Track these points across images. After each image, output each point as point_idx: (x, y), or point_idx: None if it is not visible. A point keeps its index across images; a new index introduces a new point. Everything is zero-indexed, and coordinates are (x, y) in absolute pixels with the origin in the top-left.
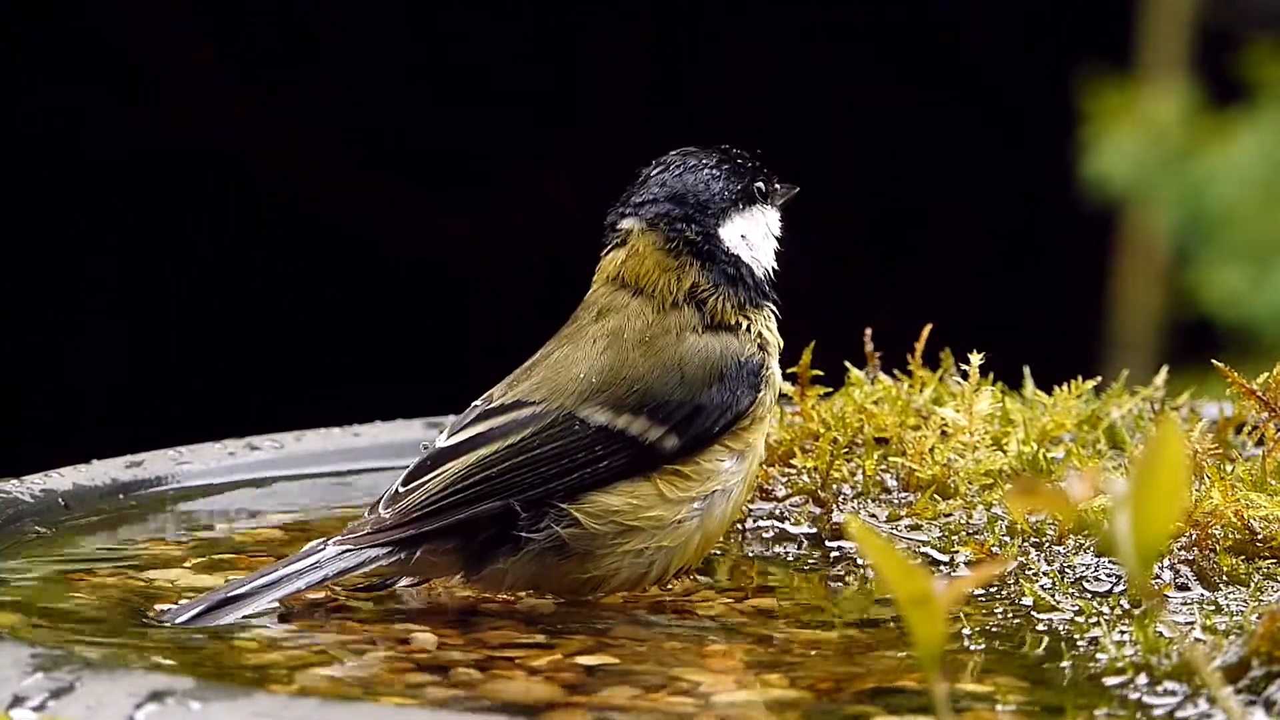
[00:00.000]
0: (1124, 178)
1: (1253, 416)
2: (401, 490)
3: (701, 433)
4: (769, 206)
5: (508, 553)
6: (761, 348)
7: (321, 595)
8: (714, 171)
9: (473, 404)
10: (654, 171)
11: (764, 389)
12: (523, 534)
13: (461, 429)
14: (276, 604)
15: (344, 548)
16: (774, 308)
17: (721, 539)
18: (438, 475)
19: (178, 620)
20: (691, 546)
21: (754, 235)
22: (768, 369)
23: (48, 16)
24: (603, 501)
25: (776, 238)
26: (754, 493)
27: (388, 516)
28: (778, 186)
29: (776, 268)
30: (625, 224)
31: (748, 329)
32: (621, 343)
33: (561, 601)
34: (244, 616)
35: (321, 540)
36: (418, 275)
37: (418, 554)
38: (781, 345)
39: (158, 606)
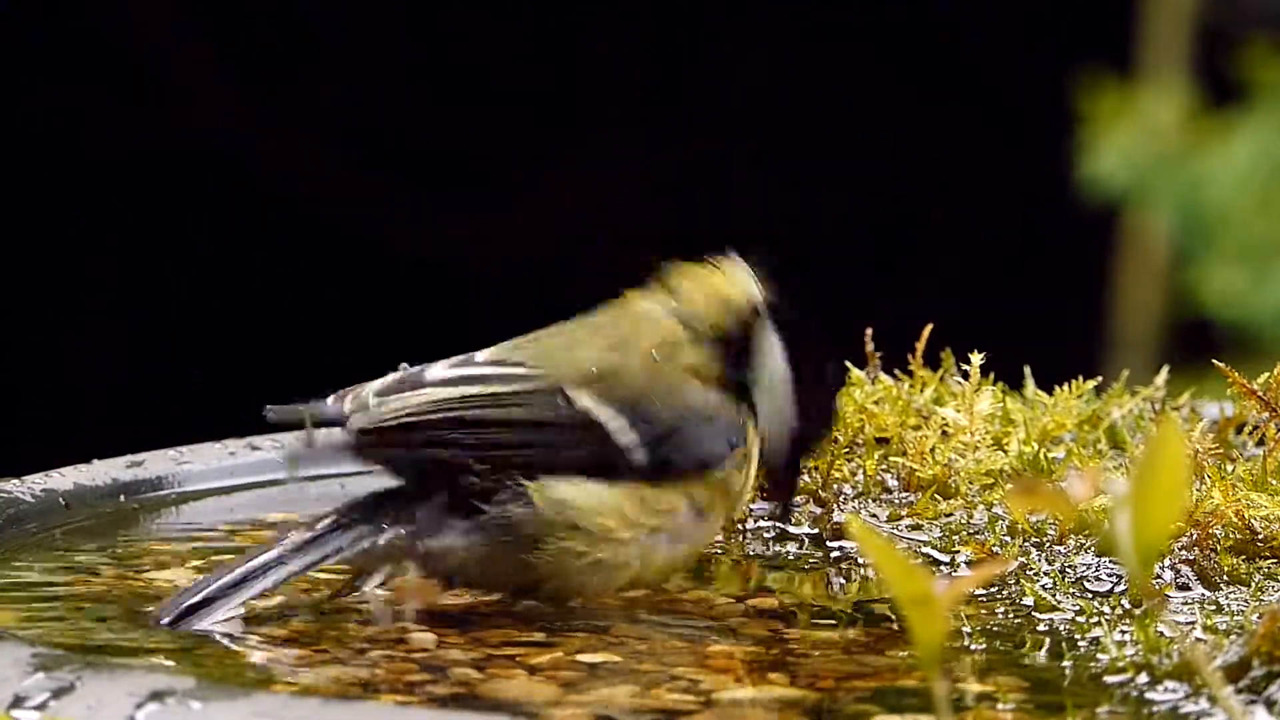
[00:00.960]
0: (1122, 179)
1: (1253, 416)
2: (373, 402)
3: (670, 458)
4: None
5: (460, 523)
6: (745, 430)
7: (307, 597)
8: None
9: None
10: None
11: (742, 459)
12: (477, 502)
13: (454, 367)
14: (242, 607)
15: (306, 535)
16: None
17: (722, 538)
18: (419, 394)
19: (161, 622)
20: (626, 573)
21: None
22: (749, 449)
23: (48, 16)
24: (560, 489)
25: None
26: (754, 493)
27: (359, 423)
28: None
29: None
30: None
31: (743, 416)
32: (634, 349)
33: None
34: (217, 621)
35: (281, 532)
36: (418, 275)
37: (382, 530)
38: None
39: (149, 608)
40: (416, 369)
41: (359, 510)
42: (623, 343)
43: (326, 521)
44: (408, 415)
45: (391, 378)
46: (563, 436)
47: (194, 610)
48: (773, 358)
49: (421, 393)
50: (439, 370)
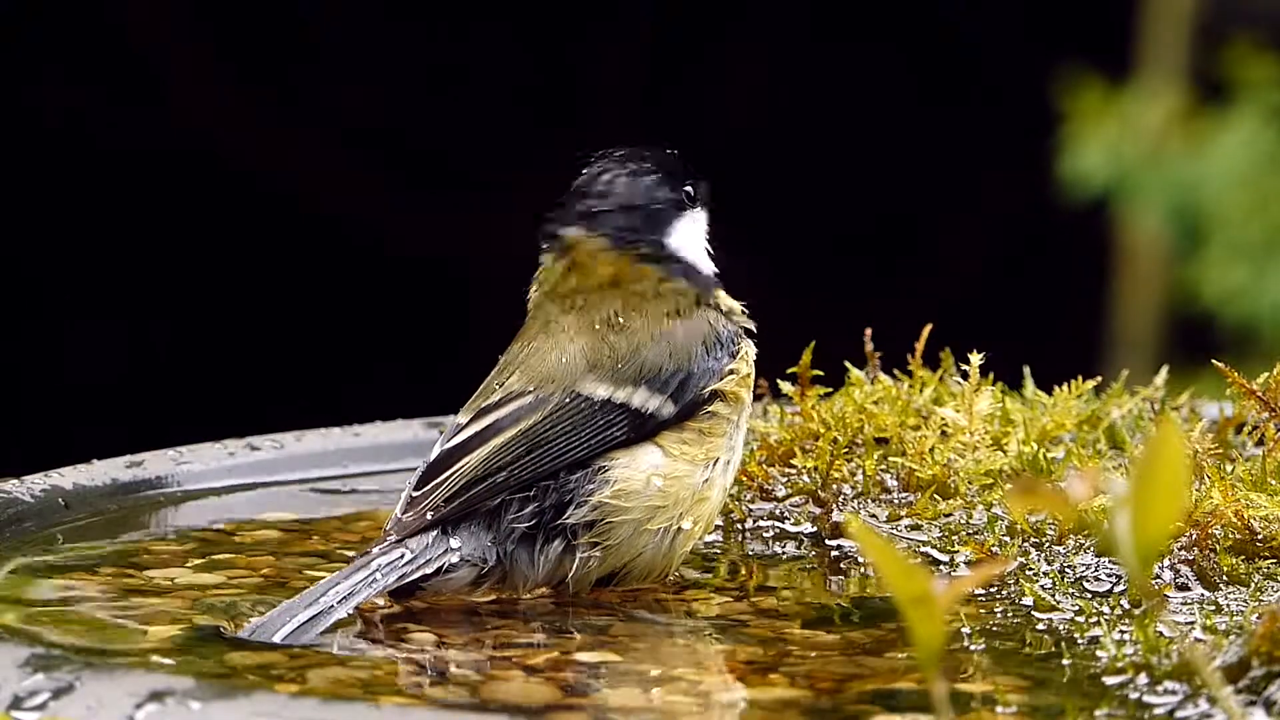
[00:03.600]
0: (1104, 176)
1: (1253, 416)
2: (416, 495)
3: (695, 398)
4: (698, 209)
5: (534, 545)
6: (729, 316)
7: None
8: (655, 179)
9: (454, 420)
10: (596, 181)
11: (743, 348)
12: (553, 523)
13: (459, 431)
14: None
15: (396, 553)
16: (727, 296)
17: (720, 537)
18: (455, 470)
19: (271, 638)
20: (706, 519)
21: (692, 239)
22: (741, 339)
23: (47, 16)
24: (619, 473)
25: (706, 238)
26: (755, 493)
27: (409, 519)
28: (699, 186)
29: (716, 268)
30: (571, 233)
31: (715, 307)
32: (595, 328)
33: (560, 600)
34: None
35: (373, 546)
36: (418, 275)
37: (456, 557)
38: (748, 318)
39: (241, 632)
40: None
41: (443, 532)
42: (579, 329)
43: (413, 541)
44: (455, 494)
45: (421, 469)
46: (601, 429)
47: (307, 623)
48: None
49: (457, 466)
50: (444, 444)
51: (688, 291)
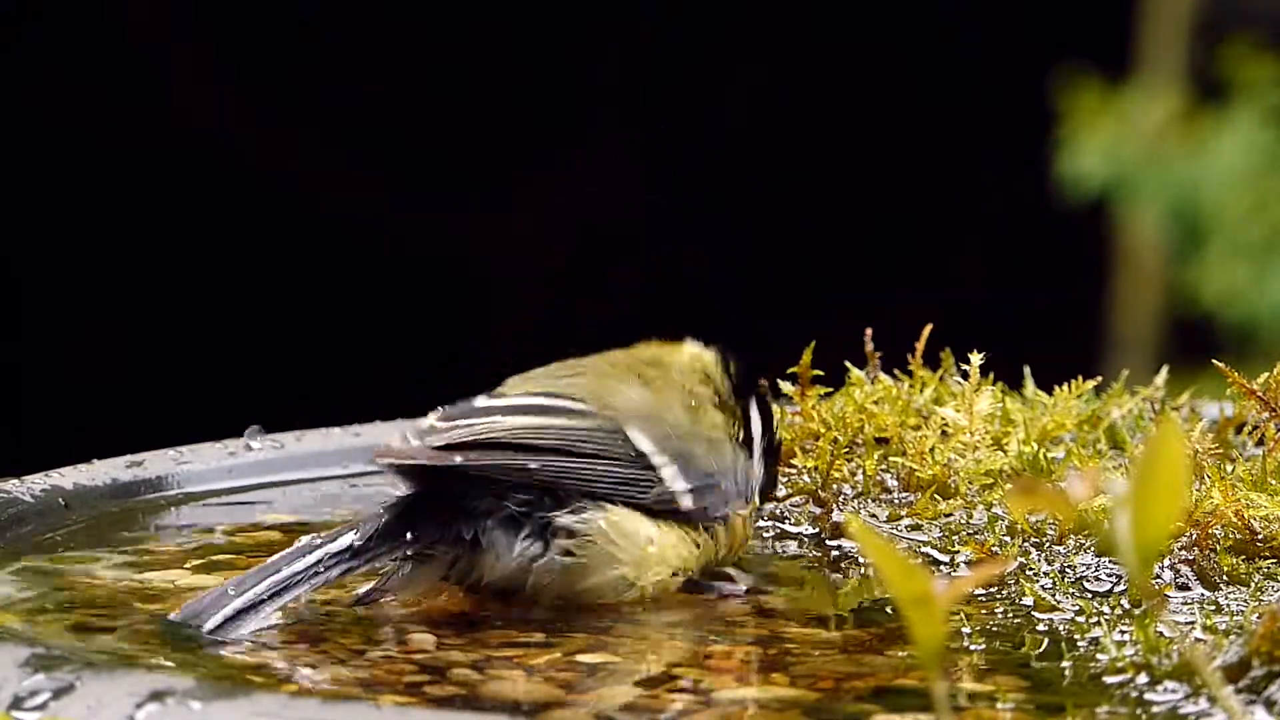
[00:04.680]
0: (1101, 176)
1: (1253, 416)
2: (441, 425)
3: (709, 506)
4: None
5: (516, 537)
6: (753, 485)
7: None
8: None
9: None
10: None
11: (752, 511)
12: (543, 518)
13: (500, 397)
14: (280, 610)
15: (345, 542)
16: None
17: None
18: (487, 420)
19: (203, 626)
20: (656, 589)
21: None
22: (754, 494)
23: (47, 16)
24: (622, 516)
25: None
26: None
27: (427, 444)
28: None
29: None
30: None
31: (754, 459)
32: (666, 393)
33: (560, 601)
34: (255, 630)
35: (315, 536)
36: (418, 275)
37: (413, 551)
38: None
39: (172, 614)
40: (463, 404)
41: (398, 518)
42: (661, 392)
43: (367, 528)
44: (490, 434)
45: (447, 411)
46: (623, 473)
47: (238, 616)
48: (756, 428)
49: (495, 419)
50: (498, 400)
51: (746, 433)
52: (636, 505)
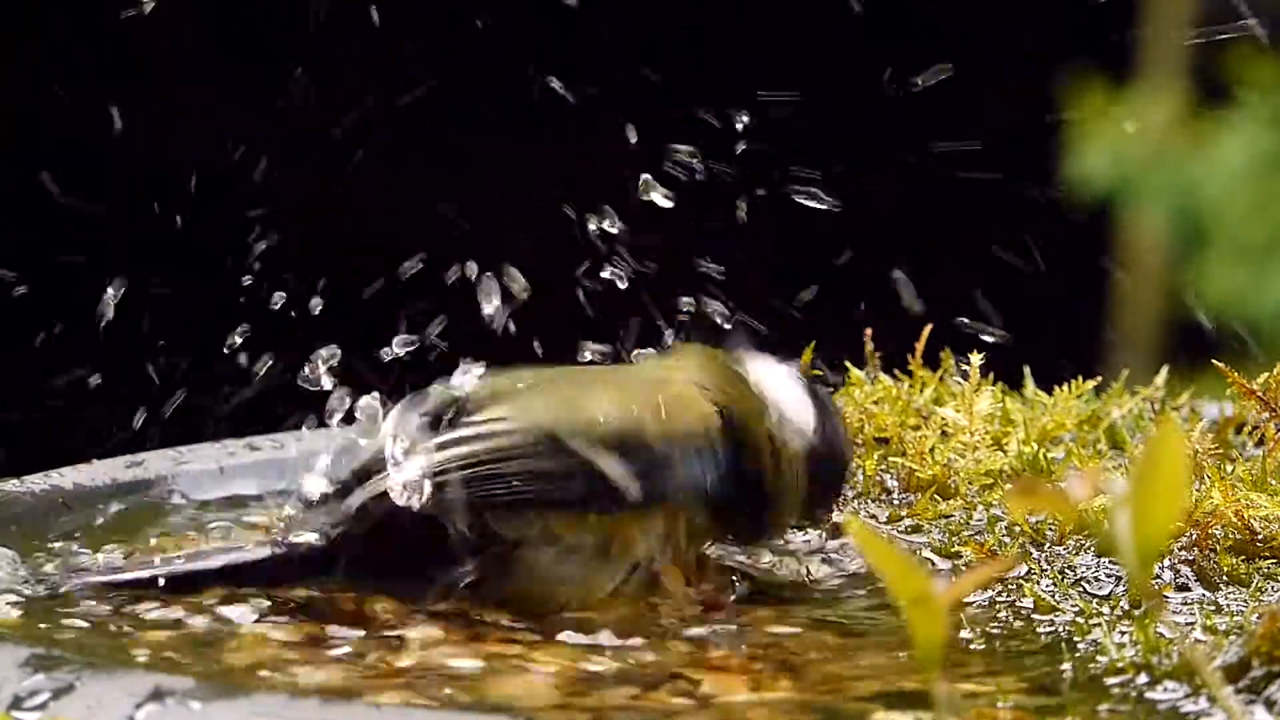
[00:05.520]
0: (1108, 178)
1: (1253, 416)
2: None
3: (655, 489)
4: None
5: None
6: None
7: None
8: None
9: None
10: None
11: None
12: (480, 535)
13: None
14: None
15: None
16: None
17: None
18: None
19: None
20: (593, 600)
21: None
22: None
23: (47, 16)
24: (561, 521)
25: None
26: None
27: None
28: None
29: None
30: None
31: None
32: (650, 407)
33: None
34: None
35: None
36: (416, 274)
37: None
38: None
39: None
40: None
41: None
42: (641, 402)
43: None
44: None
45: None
46: (562, 481)
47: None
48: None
49: (437, 455)
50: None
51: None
52: (571, 502)
